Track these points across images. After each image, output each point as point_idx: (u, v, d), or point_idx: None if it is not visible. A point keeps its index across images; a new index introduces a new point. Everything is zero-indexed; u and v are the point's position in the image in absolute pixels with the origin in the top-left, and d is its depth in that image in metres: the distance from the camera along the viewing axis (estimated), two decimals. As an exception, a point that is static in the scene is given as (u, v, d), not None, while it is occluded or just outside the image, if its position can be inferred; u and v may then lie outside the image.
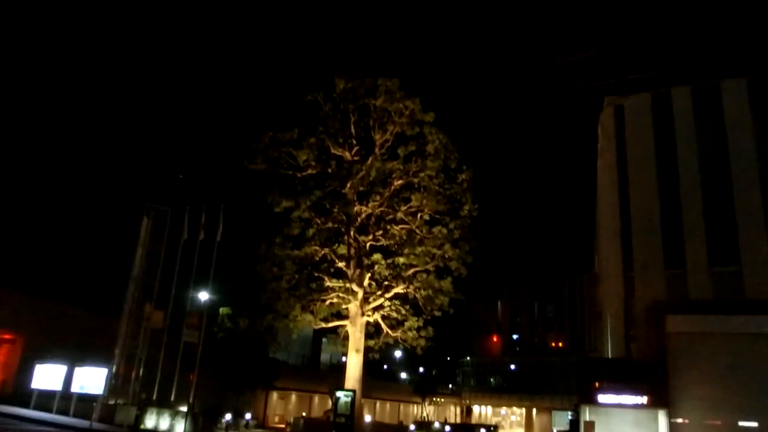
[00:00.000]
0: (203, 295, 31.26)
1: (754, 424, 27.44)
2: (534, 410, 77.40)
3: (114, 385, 28.85)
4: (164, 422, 26.48)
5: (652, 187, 35.27)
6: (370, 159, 31.37)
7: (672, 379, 28.77)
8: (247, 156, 31.60)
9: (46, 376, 28.87)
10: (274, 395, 47.99)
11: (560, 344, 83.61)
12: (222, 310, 45.94)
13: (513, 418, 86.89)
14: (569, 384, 62.31)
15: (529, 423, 77.96)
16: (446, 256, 31.22)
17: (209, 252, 31.51)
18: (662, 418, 29.07)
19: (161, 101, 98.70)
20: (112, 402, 28.25)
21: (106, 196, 55.97)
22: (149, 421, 26.53)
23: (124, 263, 32.22)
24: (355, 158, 32.02)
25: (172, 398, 29.28)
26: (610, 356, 36.37)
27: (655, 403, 29.09)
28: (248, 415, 37.35)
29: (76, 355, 29.45)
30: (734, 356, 28.41)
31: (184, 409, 27.89)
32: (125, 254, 32.39)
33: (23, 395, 29.39)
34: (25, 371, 30.70)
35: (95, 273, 42.67)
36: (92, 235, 46.74)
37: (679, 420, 28.31)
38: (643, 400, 29.17)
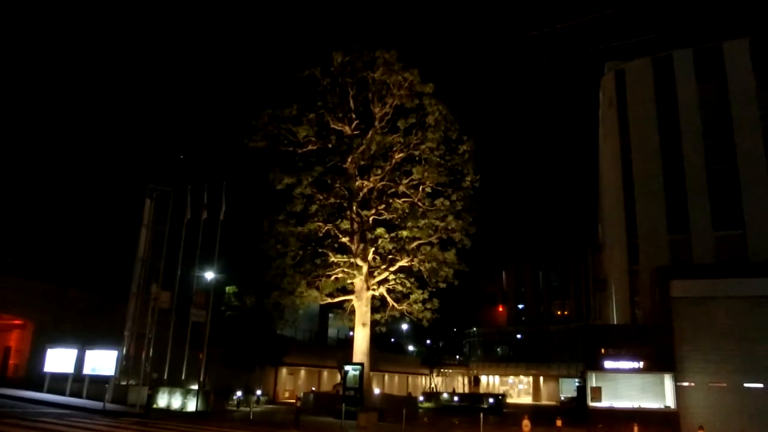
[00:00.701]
0: (209, 275, 31.40)
1: (759, 386, 27.69)
2: (541, 378, 78.27)
3: (125, 366, 29.19)
4: (176, 401, 26.89)
5: (654, 153, 35.05)
6: (370, 132, 31.17)
7: (677, 343, 28.93)
8: (246, 134, 31.47)
9: (58, 360, 29.18)
10: (284, 371, 48.50)
11: (566, 312, 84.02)
12: (228, 289, 46.18)
13: (521, 386, 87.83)
14: (575, 351, 62.96)
15: (536, 391, 78.87)
16: (449, 228, 31.17)
17: (213, 231, 31.57)
18: (668, 381, 29.32)
19: (160, 82, 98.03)
20: (124, 383, 28.60)
21: (109, 178, 55.94)
22: (161, 400, 26.92)
23: (128, 245, 32.37)
24: (355, 132, 31.81)
25: (183, 377, 29.63)
26: (615, 323, 36.62)
27: (661, 368, 29.30)
28: (259, 392, 37.81)
29: (86, 337, 29.76)
30: (739, 319, 28.54)
31: (195, 387, 28.25)
32: (130, 236, 32.53)
33: (36, 379, 29.73)
34: (36, 355, 31.03)
35: (101, 256, 42.89)
36: (96, 218, 46.86)
37: (685, 383, 28.53)
38: (649, 364, 29.40)
